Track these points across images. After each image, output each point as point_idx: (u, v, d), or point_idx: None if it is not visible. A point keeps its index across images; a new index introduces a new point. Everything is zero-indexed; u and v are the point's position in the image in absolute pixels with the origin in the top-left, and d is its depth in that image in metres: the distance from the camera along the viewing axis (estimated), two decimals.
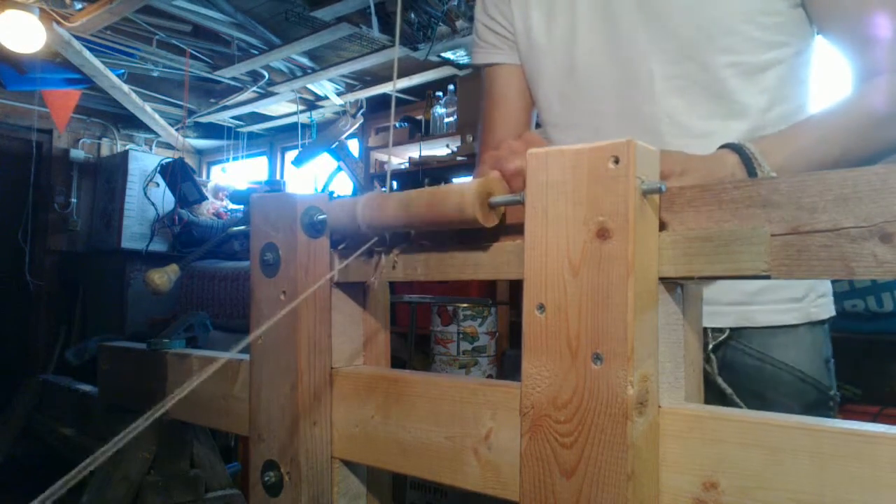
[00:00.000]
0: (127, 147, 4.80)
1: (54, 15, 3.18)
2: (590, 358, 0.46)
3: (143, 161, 4.35)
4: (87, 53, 3.51)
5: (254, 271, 0.69)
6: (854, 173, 0.43)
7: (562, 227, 0.48)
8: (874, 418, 2.05)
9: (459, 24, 2.93)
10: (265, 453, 0.68)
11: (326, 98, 4.12)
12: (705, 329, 0.79)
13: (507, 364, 2.81)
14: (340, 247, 0.68)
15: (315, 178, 3.91)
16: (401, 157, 3.98)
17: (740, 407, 0.80)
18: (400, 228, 0.61)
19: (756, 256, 0.45)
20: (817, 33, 0.84)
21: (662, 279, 0.50)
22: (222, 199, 4.50)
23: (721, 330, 0.84)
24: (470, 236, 0.58)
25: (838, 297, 2.15)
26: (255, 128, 4.96)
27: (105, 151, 4.89)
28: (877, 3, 0.76)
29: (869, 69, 0.77)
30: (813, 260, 0.44)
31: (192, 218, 4.18)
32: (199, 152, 5.43)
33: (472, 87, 3.27)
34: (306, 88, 4.03)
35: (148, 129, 4.74)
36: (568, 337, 0.48)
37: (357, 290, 0.70)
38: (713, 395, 0.80)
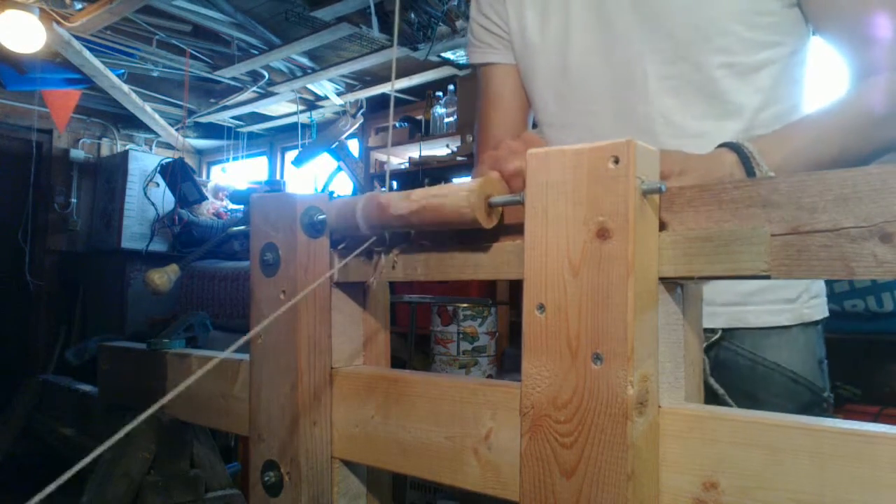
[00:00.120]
0: (127, 147, 4.80)
1: (54, 15, 3.18)
2: (590, 358, 0.46)
3: (143, 161, 4.36)
4: (87, 53, 3.51)
5: (253, 271, 0.69)
6: (854, 173, 0.43)
7: (562, 227, 0.48)
8: (874, 418, 2.05)
9: (459, 24, 2.93)
10: (265, 453, 0.68)
11: (326, 98, 4.12)
12: None
13: (507, 363, 2.81)
14: (340, 247, 0.68)
15: (315, 178, 3.91)
16: (401, 157, 3.98)
17: (732, 407, 0.80)
18: (399, 228, 0.61)
19: (756, 256, 0.45)
20: (813, 33, 0.84)
21: (662, 279, 0.50)
22: (222, 199, 4.50)
23: (713, 330, 0.84)
24: (470, 236, 0.58)
25: (838, 297, 2.15)
26: (255, 128, 4.96)
27: (105, 151, 4.89)
28: (875, 2, 0.76)
29: (866, 68, 0.77)
30: (813, 260, 0.44)
31: (192, 218, 4.18)
32: (199, 152, 5.43)
33: (472, 87, 3.27)
34: (306, 88, 4.03)
35: (148, 129, 4.74)
36: (568, 337, 0.48)
37: (357, 290, 0.70)
38: (705, 395, 0.80)
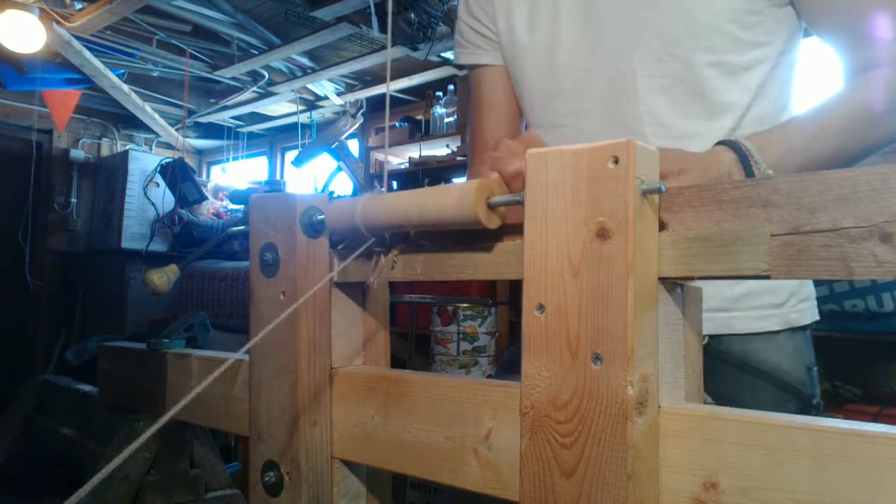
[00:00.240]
0: (127, 147, 4.80)
1: (54, 15, 3.18)
2: (590, 358, 0.46)
3: (143, 161, 4.36)
4: (87, 53, 3.51)
5: (253, 271, 0.69)
6: (854, 173, 0.43)
7: (561, 228, 0.48)
8: (874, 418, 2.05)
9: None
10: (265, 453, 0.68)
11: (326, 98, 4.12)
12: None
13: (506, 361, 2.81)
14: (340, 247, 0.68)
15: (315, 178, 3.91)
16: (401, 157, 3.98)
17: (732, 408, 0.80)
18: (399, 229, 0.61)
19: (756, 256, 0.45)
20: (807, 30, 0.84)
21: (662, 279, 0.50)
22: (222, 199, 4.51)
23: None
24: (470, 236, 0.58)
25: (838, 297, 2.15)
26: (255, 128, 4.96)
27: (105, 151, 4.89)
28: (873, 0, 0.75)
29: (862, 64, 0.76)
30: (813, 260, 0.44)
31: (192, 218, 4.18)
32: (199, 152, 5.43)
33: None
34: (306, 88, 4.03)
35: (148, 129, 4.75)
36: (568, 337, 0.48)
37: (357, 290, 0.70)
38: None
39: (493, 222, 0.55)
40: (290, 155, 4.97)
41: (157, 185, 4.31)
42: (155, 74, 3.89)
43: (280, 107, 4.43)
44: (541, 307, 0.49)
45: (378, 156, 4.13)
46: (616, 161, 0.46)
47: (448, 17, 2.91)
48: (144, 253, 4.21)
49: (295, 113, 4.36)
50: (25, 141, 4.50)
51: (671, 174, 0.60)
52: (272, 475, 0.66)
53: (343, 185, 3.21)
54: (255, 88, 3.98)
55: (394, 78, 3.70)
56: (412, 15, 2.93)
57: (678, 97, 0.83)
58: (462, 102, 3.55)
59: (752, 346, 0.84)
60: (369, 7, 2.85)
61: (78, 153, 4.72)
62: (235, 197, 4.24)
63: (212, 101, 4.36)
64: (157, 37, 3.46)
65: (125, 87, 3.97)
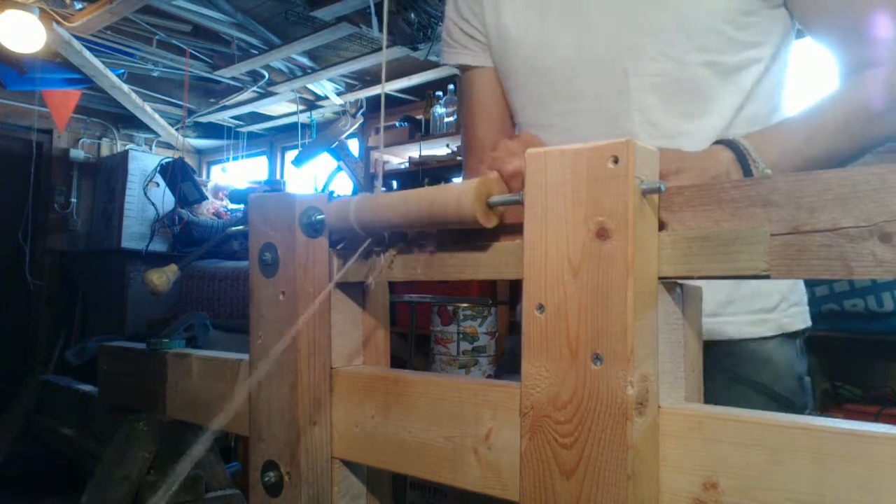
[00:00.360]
0: (127, 147, 4.80)
1: (54, 15, 3.18)
2: (589, 358, 0.46)
3: (143, 161, 4.36)
4: (87, 53, 3.51)
5: (253, 271, 0.68)
6: (853, 173, 0.43)
7: (561, 228, 0.48)
8: (874, 418, 2.05)
9: None
10: (265, 453, 0.68)
11: (326, 98, 4.12)
12: None
13: (505, 358, 2.81)
14: (339, 246, 0.68)
15: (315, 177, 3.91)
16: (401, 157, 3.98)
17: (732, 407, 0.79)
18: (396, 228, 0.61)
19: (756, 256, 0.45)
20: (801, 30, 0.84)
21: (662, 279, 0.50)
22: (222, 199, 4.51)
23: None
24: (469, 236, 0.58)
25: (838, 297, 2.15)
26: (255, 128, 4.96)
27: (105, 151, 4.89)
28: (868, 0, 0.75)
29: (858, 63, 0.76)
30: (813, 259, 0.44)
31: (192, 218, 4.18)
32: (199, 152, 5.43)
33: None
34: (306, 88, 4.03)
35: (148, 129, 4.75)
36: (568, 337, 0.48)
37: (356, 290, 0.70)
38: None
39: (491, 222, 0.55)
40: (290, 155, 4.97)
41: (157, 184, 4.31)
42: (155, 74, 3.89)
43: (280, 107, 4.43)
44: (541, 307, 0.49)
45: (378, 155, 4.13)
46: (616, 161, 0.46)
47: None
48: (144, 253, 4.21)
49: (295, 113, 4.36)
50: (25, 141, 4.50)
51: (669, 173, 0.60)
52: (272, 475, 0.66)
53: (343, 184, 3.21)
54: (255, 88, 3.98)
55: (394, 78, 3.71)
56: (412, 15, 2.93)
57: (670, 96, 0.82)
58: (461, 102, 3.54)
59: (742, 355, 0.83)
60: (369, 7, 2.85)
61: (78, 153, 4.72)
62: (235, 197, 4.24)
63: (212, 100, 4.36)
64: (157, 37, 3.46)
65: (125, 87, 3.97)
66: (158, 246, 4.28)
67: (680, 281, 0.51)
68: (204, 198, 4.24)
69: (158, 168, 4.28)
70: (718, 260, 0.47)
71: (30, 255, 4.48)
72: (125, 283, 4.14)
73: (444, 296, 2.76)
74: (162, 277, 0.90)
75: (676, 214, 0.50)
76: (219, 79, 3.89)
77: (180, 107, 4.33)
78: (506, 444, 0.53)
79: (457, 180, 3.35)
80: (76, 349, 3.02)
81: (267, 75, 3.83)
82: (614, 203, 0.46)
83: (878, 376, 2.26)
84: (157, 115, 4.45)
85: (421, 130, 3.80)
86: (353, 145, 4.14)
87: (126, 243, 4.20)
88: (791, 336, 0.86)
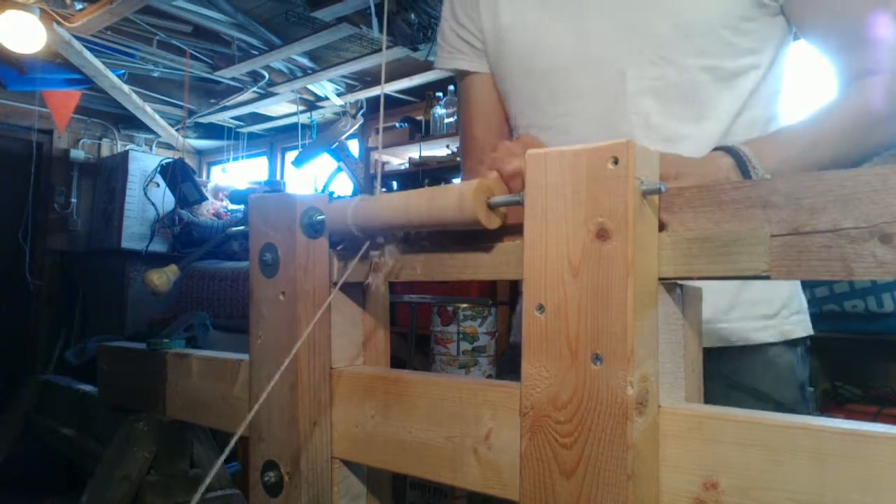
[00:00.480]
0: (127, 147, 4.80)
1: (55, 15, 3.19)
2: (589, 358, 0.46)
3: (143, 161, 4.36)
4: (88, 54, 3.51)
5: (253, 272, 0.69)
6: (853, 174, 0.43)
7: (561, 228, 0.48)
8: (874, 418, 2.05)
9: None
10: (265, 453, 0.68)
11: (326, 98, 4.12)
12: None
13: (504, 361, 2.81)
14: (339, 247, 0.68)
15: (315, 178, 3.91)
16: (401, 158, 3.98)
17: (732, 407, 0.79)
18: (397, 230, 0.61)
19: (756, 257, 0.45)
20: (799, 37, 0.84)
21: (662, 279, 0.50)
22: (222, 200, 4.51)
23: None
24: (469, 236, 0.58)
25: (838, 297, 2.15)
26: (256, 128, 4.97)
27: (105, 152, 4.89)
28: (864, 5, 0.75)
29: (857, 70, 0.76)
30: (813, 260, 0.44)
31: (192, 218, 4.18)
32: (199, 152, 5.43)
33: None
34: (306, 89, 4.03)
35: (148, 130, 4.75)
36: (568, 337, 0.48)
37: (356, 291, 0.70)
38: None
39: (492, 223, 0.55)
40: (291, 155, 4.97)
41: (158, 185, 4.32)
42: (155, 75, 3.89)
43: (280, 107, 4.43)
44: (541, 307, 0.49)
45: (378, 156, 4.13)
46: (616, 161, 0.46)
47: None
48: (144, 253, 4.21)
49: (295, 113, 4.36)
50: (26, 141, 4.50)
51: (668, 178, 0.60)
52: (272, 475, 0.66)
53: (343, 185, 3.21)
54: (255, 89, 3.98)
55: (394, 78, 3.71)
56: (412, 15, 2.93)
57: (668, 100, 0.82)
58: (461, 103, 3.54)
59: (742, 362, 0.83)
60: (369, 8, 2.85)
61: (78, 153, 4.72)
62: (235, 197, 4.24)
63: (212, 101, 4.36)
64: (157, 37, 3.46)
65: (125, 88, 3.97)
66: (158, 246, 4.28)
67: (680, 281, 0.51)
68: (204, 198, 4.24)
69: (158, 168, 4.29)
70: (719, 261, 0.47)
71: (30, 255, 4.48)
72: (125, 283, 4.14)
73: (444, 296, 2.76)
74: (162, 277, 0.90)
75: (677, 215, 0.50)
76: (219, 79, 3.90)
77: (180, 107, 4.33)
78: (506, 444, 0.53)
79: (457, 181, 3.35)
80: (76, 349, 3.02)
81: (267, 76, 3.83)
82: (614, 204, 0.46)
83: (878, 376, 2.26)
84: (157, 116, 4.45)
85: (421, 131, 3.80)
86: (354, 146, 4.14)
87: (126, 243, 4.20)
88: (792, 344, 0.86)
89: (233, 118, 4.76)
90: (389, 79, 3.73)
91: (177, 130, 4.72)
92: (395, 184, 3.88)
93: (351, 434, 0.65)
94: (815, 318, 0.93)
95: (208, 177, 5.34)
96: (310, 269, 0.65)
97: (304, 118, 4.40)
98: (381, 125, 0.95)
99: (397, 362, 2.71)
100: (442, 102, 3.74)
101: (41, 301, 4.61)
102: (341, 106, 4.19)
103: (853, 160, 0.74)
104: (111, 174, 4.48)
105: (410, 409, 0.60)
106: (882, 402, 2.12)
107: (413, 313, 2.75)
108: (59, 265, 4.70)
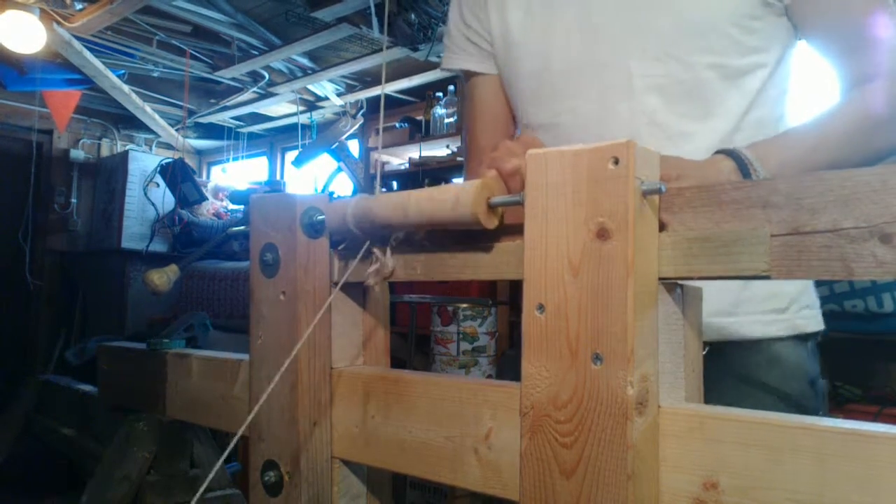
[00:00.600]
0: (127, 147, 4.80)
1: (54, 15, 3.19)
2: (589, 358, 0.46)
3: (143, 161, 4.36)
4: (88, 54, 3.51)
5: (253, 272, 0.69)
6: (854, 174, 0.43)
7: (561, 228, 0.48)
8: (874, 418, 2.05)
9: None
10: (265, 453, 0.68)
11: (326, 99, 4.12)
12: None
13: (506, 363, 2.81)
14: (340, 247, 0.68)
15: (315, 178, 3.91)
16: (401, 158, 3.98)
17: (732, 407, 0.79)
18: (397, 229, 0.61)
19: (756, 257, 0.45)
20: (801, 39, 0.84)
21: (662, 279, 0.50)
22: (222, 200, 4.51)
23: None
24: (469, 236, 0.58)
25: (838, 297, 2.15)
26: (256, 128, 4.97)
27: (105, 152, 4.89)
28: (864, 9, 0.75)
29: (859, 75, 0.76)
30: (813, 260, 0.44)
31: (192, 218, 4.18)
32: (199, 152, 5.43)
33: None
34: (306, 89, 4.03)
35: (148, 130, 4.75)
36: (568, 337, 0.48)
37: (357, 291, 0.70)
38: None
39: (491, 222, 0.55)
40: (291, 155, 4.97)
41: (157, 185, 4.31)
42: (155, 75, 3.89)
43: (280, 107, 4.43)
44: (541, 307, 0.49)
45: (378, 156, 4.13)
46: (616, 162, 0.46)
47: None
48: (144, 253, 4.21)
49: (295, 113, 4.36)
50: (26, 141, 4.51)
51: (669, 179, 0.60)
52: (272, 475, 0.66)
53: (343, 185, 3.21)
54: (255, 89, 3.98)
55: (394, 78, 3.71)
56: (412, 16, 2.93)
57: (675, 97, 0.83)
58: (462, 103, 3.55)
59: (753, 356, 0.83)
60: (369, 8, 2.85)
61: (78, 153, 4.72)
62: (235, 197, 4.24)
63: (212, 101, 4.36)
64: (157, 37, 3.46)
65: (125, 88, 3.97)
66: (158, 246, 4.28)
67: (680, 281, 0.51)
68: (204, 198, 4.24)
69: (158, 168, 4.28)
70: (719, 261, 0.47)
71: (30, 255, 4.48)
72: (125, 283, 4.14)
73: (444, 296, 2.76)
74: (163, 277, 0.91)
75: (677, 215, 0.50)
76: (219, 79, 3.90)
77: (180, 107, 4.33)
78: (506, 443, 0.53)
79: (457, 181, 3.35)
80: (76, 349, 3.02)
81: (267, 76, 3.83)
82: (615, 204, 0.46)
83: (878, 376, 2.27)
84: (157, 116, 4.45)
85: (421, 131, 3.80)
86: (353, 146, 4.14)
87: (126, 243, 4.20)
88: (803, 338, 0.86)
89: (233, 118, 4.76)
90: (389, 79, 3.73)
91: (177, 130, 4.72)
92: (395, 184, 3.88)
93: (351, 434, 0.65)
94: None
95: (208, 177, 5.34)
96: (310, 269, 0.65)
97: (304, 118, 4.40)
98: (381, 125, 0.95)
99: (397, 362, 2.70)
100: (442, 102, 3.75)
101: (41, 301, 4.61)
102: (341, 106, 4.19)
103: (855, 164, 0.74)
104: (111, 174, 4.48)
105: (410, 409, 0.60)
106: (882, 402, 2.12)
107: (413, 313, 2.75)
108: (59, 265, 4.70)
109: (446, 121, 3.71)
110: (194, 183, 4.17)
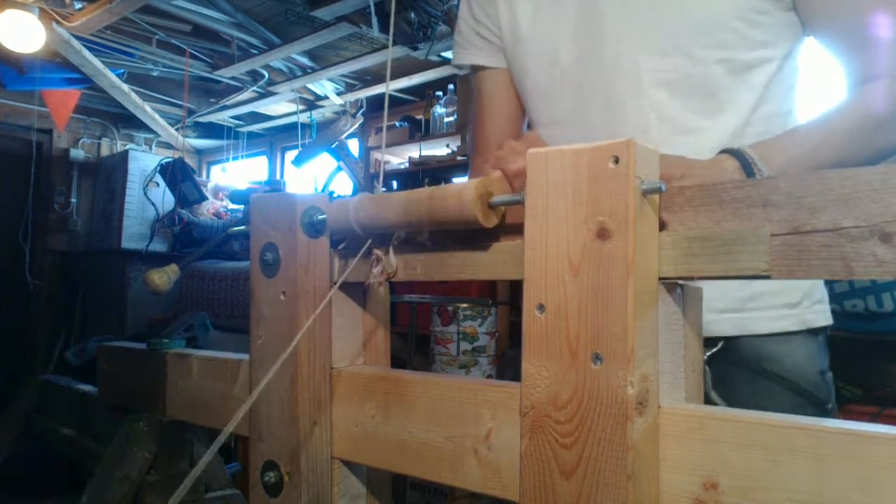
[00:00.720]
0: (127, 147, 4.80)
1: (54, 14, 3.18)
2: (590, 358, 0.46)
3: (143, 161, 4.35)
4: (87, 53, 3.51)
5: (254, 271, 0.69)
6: (854, 173, 0.43)
7: (562, 228, 0.48)
8: (874, 418, 2.05)
9: None
10: (265, 453, 0.68)
11: (326, 98, 4.12)
12: None
13: (507, 364, 2.81)
14: (340, 247, 0.68)
15: (315, 177, 3.91)
16: (401, 157, 3.98)
17: (732, 408, 0.79)
18: (397, 229, 0.61)
19: (756, 256, 0.45)
20: (809, 35, 0.84)
21: (662, 279, 0.50)
22: (222, 199, 4.50)
23: (714, 341, 0.82)
24: (470, 236, 0.58)
25: (838, 297, 2.15)
26: (255, 127, 4.96)
27: (105, 151, 4.89)
28: (870, 7, 0.75)
29: (864, 72, 0.77)
30: (813, 260, 0.44)
31: (192, 218, 4.18)
32: (199, 152, 5.43)
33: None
34: (306, 88, 4.03)
35: (148, 129, 4.74)
36: (568, 337, 0.48)
37: (357, 290, 0.70)
38: None
39: (491, 222, 0.55)
40: (290, 155, 4.97)
41: (157, 184, 4.31)
42: (155, 74, 3.89)
43: (280, 106, 4.43)
44: (541, 307, 0.49)
45: (378, 155, 4.13)
46: (616, 161, 0.46)
47: (448, 16, 2.91)
48: (144, 253, 4.20)
49: (295, 113, 4.36)
50: (25, 141, 4.50)
51: (674, 179, 0.61)
52: (272, 475, 0.66)
53: (343, 184, 3.21)
54: (254, 88, 3.98)
55: (394, 77, 3.70)
56: (412, 15, 2.93)
57: (683, 92, 0.83)
58: (462, 102, 3.55)
59: (766, 349, 0.84)
60: (369, 7, 2.85)
61: (78, 153, 4.72)
62: (235, 197, 4.23)
63: (212, 100, 4.36)
64: (156, 36, 3.45)
65: (125, 87, 3.97)
66: (158, 246, 4.27)
67: (680, 281, 0.51)
68: (204, 198, 4.24)
69: (158, 168, 4.28)
70: (719, 260, 0.47)
71: (30, 255, 4.48)
72: (125, 283, 4.13)
73: (444, 296, 2.76)
74: (163, 277, 0.90)
75: (677, 214, 0.50)
76: (219, 79, 3.89)
77: (180, 107, 4.33)
78: (506, 444, 0.53)
79: (457, 180, 3.35)
80: (76, 349, 3.02)
81: (267, 75, 3.83)
82: (615, 203, 0.46)
83: (878, 376, 2.26)
84: (156, 115, 4.45)
85: (421, 130, 3.80)
86: (353, 145, 4.14)
87: (126, 243, 4.20)
88: (814, 332, 0.87)
89: (232, 117, 4.76)
90: (390, 78, 3.72)
91: (176, 130, 4.72)
92: (394, 183, 3.87)
93: (351, 434, 0.65)
94: None
95: (208, 176, 5.34)
96: (310, 268, 0.65)
97: (303, 117, 4.40)
98: (384, 123, 0.95)
99: (397, 362, 2.70)
100: (442, 101, 3.74)
101: (41, 301, 4.61)
102: (341, 105, 4.19)
103: (858, 163, 0.74)
104: (111, 174, 4.48)
105: (410, 409, 0.60)
106: (882, 402, 2.12)
107: (413, 313, 2.75)
108: (59, 265, 4.69)
109: (446, 120, 3.71)
110: (194, 182, 4.17)
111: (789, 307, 0.85)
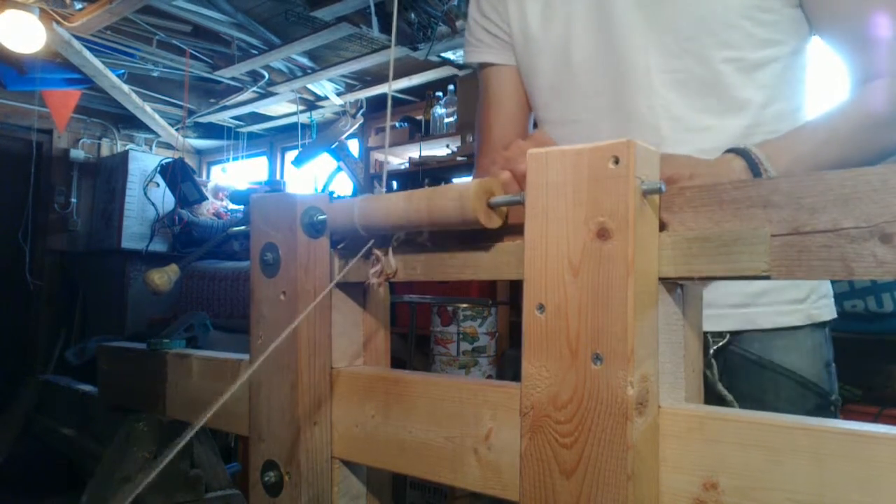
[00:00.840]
0: (127, 147, 4.80)
1: (54, 15, 3.19)
2: (590, 358, 0.46)
3: (143, 161, 4.35)
4: (87, 53, 3.51)
5: (254, 271, 0.69)
6: (854, 173, 0.43)
7: (562, 228, 0.48)
8: (874, 418, 2.05)
9: (459, 24, 2.93)
10: (265, 453, 0.68)
11: (326, 98, 4.12)
12: (705, 333, 0.78)
13: (507, 364, 2.81)
14: (340, 246, 0.68)
15: (315, 178, 3.91)
16: (401, 158, 3.98)
17: (732, 408, 0.80)
18: (398, 230, 0.61)
19: (756, 257, 0.45)
20: (814, 34, 0.85)
21: (662, 279, 0.50)
22: (222, 200, 4.50)
23: (721, 335, 0.83)
24: (470, 236, 0.58)
25: (838, 297, 2.14)
26: (255, 128, 4.96)
27: (105, 151, 4.89)
28: (874, 5, 0.76)
29: (867, 71, 0.77)
30: (813, 260, 0.44)
31: (192, 218, 4.18)
32: (199, 152, 5.43)
33: (472, 87, 3.27)
34: (306, 88, 4.03)
35: (148, 129, 4.74)
36: (568, 337, 0.48)
37: (357, 290, 0.70)
38: (713, 400, 0.80)
39: (493, 222, 0.55)
40: (290, 155, 4.97)
41: (157, 185, 4.31)
42: (155, 74, 3.89)
43: (280, 107, 4.43)
44: (541, 307, 0.49)
45: (378, 156, 4.13)
46: (616, 161, 0.46)
47: (448, 17, 2.91)
48: (144, 253, 4.20)
49: (295, 113, 4.36)
50: (25, 141, 4.50)
51: (682, 178, 0.61)
52: (272, 475, 0.66)
53: (343, 185, 3.21)
54: (255, 88, 3.98)
55: (394, 78, 3.70)
56: (412, 15, 2.93)
57: (693, 91, 0.84)
58: (462, 102, 3.55)
59: (772, 342, 0.85)
60: (369, 7, 2.85)
61: (78, 153, 4.72)
62: (235, 197, 4.23)
63: (212, 101, 4.36)
64: (157, 37, 3.46)
65: (125, 87, 3.97)
66: (158, 246, 4.27)
67: (680, 281, 0.51)
68: (204, 198, 4.24)
69: (158, 168, 4.28)
70: (719, 260, 0.47)
71: (30, 255, 4.47)
72: (125, 283, 4.13)
73: (444, 296, 2.76)
74: (163, 277, 0.91)
75: (677, 215, 0.50)
76: (219, 79, 3.89)
77: (180, 107, 4.33)
78: (506, 444, 0.53)
79: (457, 180, 3.35)
80: (76, 349, 3.02)
81: (267, 75, 3.83)
82: (615, 203, 0.46)
83: (879, 376, 2.26)
84: (157, 116, 4.45)
85: (421, 131, 3.80)
86: (353, 146, 4.14)
87: (126, 243, 4.20)
88: (820, 326, 0.88)
89: (233, 118, 4.76)
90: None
91: (177, 130, 4.72)
92: (395, 183, 3.87)
93: (351, 434, 0.65)
94: None
95: (208, 176, 5.33)
96: (311, 268, 0.65)
97: (303, 118, 4.40)
98: (387, 123, 0.95)
99: (397, 362, 2.70)
100: (442, 102, 3.74)
101: (41, 301, 4.61)
102: (341, 105, 4.19)
103: (861, 162, 0.74)
104: (111, 174, 4.48)
105: (410, 410, 0.60)
106: (882, 402, 2.12)
107: (413, 313, 2.75)
108: (59, 265, 4.69)
109: (446, 120, 3.71)
110: (194, 183, 4.17)
111: (797, 303, 0.86)
